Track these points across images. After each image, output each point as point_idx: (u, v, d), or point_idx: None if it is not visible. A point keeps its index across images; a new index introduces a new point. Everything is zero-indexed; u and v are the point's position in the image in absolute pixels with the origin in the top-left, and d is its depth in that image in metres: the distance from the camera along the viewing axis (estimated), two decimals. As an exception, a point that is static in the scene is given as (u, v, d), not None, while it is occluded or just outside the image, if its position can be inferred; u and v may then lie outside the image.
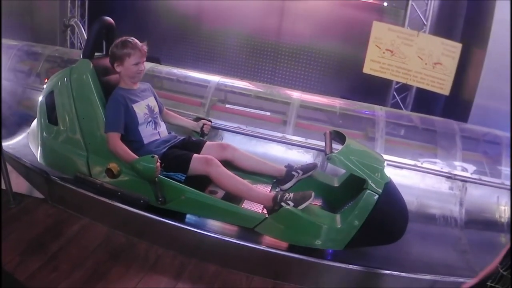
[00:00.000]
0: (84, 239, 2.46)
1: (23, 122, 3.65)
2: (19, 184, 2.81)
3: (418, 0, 4.39)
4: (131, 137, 2.55)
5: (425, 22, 4.35)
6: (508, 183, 3.14)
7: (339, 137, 2.54)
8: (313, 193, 2.27)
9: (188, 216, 2.52)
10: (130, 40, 2.55)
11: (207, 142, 2.77)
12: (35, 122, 3.09)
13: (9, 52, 4.42)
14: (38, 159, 2.92)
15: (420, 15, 4.36)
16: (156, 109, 2.75)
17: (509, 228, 3.02)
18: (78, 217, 2.64)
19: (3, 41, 4.78)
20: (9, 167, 2.71)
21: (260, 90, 3.89)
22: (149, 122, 2.63)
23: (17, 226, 2.50)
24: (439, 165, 3.22)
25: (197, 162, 2.46)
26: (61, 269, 2.19)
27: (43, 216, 2.64)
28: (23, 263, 2.20)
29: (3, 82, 4.00)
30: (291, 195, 2.29)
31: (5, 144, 3.00)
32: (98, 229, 2.56)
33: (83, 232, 2.52)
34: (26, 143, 3.27)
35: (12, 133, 3.51)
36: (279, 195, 2.30)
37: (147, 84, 2.86)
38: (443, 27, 4.69)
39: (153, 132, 2.65)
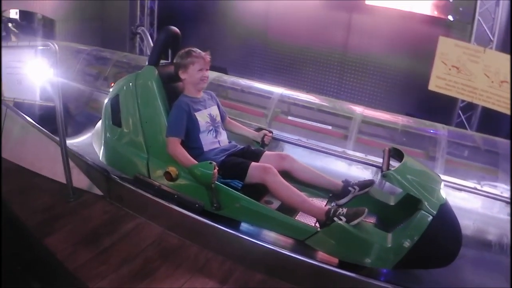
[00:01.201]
0: (137, 236, 2.53)
1: (88, 122, 3.87)
2: (80, 180, 2.94)
3: (485, 13, 4.22)
4: (192, 144, 2.63)
5: (491, 38, 4.18)
6: None
7: (398, 155, 2.48)
8: (366, 210, 2.23)
9: (241, 223, 2.55)
10: (193, 49, 2.68)
11: (266, 152, 2.80)
12: (99, 123, 3.25)
13: (78, 56, 4.71)
14: (100, 158, 3.06)
15: (487, 30, 4.20)
16: (218, 118, 2.81)
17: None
18: (134, 215, 2.72)
19: (74, 45, 5.11)
20: (71, 163, 2.85)
21: (323, 103, 3.90)
22: (210, 130, 2.70)
23: (73, 218, 2.61)
24: (499, 189, 3.06)
25: (255, 170, 2.49)
26: (110, 263, 2.25)
27: (100, 212, 2.74)
28: (75, 253, 2.28)
29: (73, 83, 4.26)
30: (344, 210, 2.26)
31: (70, 141, 3.16)
32: (152, 228, 2.62)
33: (137, 230, 2.60)
34: (90, 142, 3.44)
35: (78, 132, 3.72)
36: (333, 210, 2.28)
37: (211, 93, 2.94)
38: (510, 43, 4.46)
39: (213, 141, 2.71)
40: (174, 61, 2.72)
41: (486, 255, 2.86)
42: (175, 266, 2.32)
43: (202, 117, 2.68)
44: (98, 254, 2.31)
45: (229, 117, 3.04)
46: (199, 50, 2.68)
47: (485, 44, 4.08)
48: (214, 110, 2.81)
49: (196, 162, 2.45)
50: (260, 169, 2.48)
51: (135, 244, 2.46)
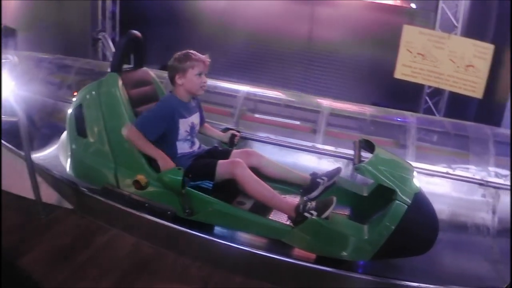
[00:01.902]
0: (112, 249, 2.48)
1: (54, 134, 3.75)
2: (49, 195, 2.85)
3: (448, 0, 4.28)
4: (167, 149, 2.53)
5: (456, 24, 4.24)
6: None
7: (369, 146, 2.48)
8: (335, 198, 2.22)
9: (216, 227, 2.52)
10: (192, 52, 2.56)
11: (234, 150, 2.77)
12: (64, 134, 3.16)
13: (40, 65, 4.57)
14: (68, 170, 2.97)
15: (451, 16, 4.25)
16: (197, 127, 2.75)
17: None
18: (107, 227, 2.66)
19: (36, 54, 4.96)
20: (39, 178, 2.76)
21: (290, 99, 3.88)
22: (187, 140, 2.64)
23: (46, 236, 2.54)
24: (471, 171, 3.13)
25: (223, 166, 2.46)
26: (89, 278, 2.21)
27: (72, 226, 2.67)
28: (51, 271, 2.22)
29: (34, 95, 4.13)
30: (313, 204, 2.25)
31: (36, 155, 3.07)
32: (126, 239, 2.57)
33: (111, 242, 2.54)
34: (56, 154, 3.33)
35: (43, 145, 3.60)
36: (301, 205, 2.27)
37: (197, 99, 2.82)
38: (474, 28, 4.55)
39: (189, 151, 2.66)
40: (170, 64, 2.58)
41: (464, 238, 2.93)
42: (153, 276, 2.29)
43: (184, 125, 2.59)
44: (75, 271, 2.25)
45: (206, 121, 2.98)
46: (198, 54, 2.57)
47: (450, 30, 4.14)
48: (196, 119, 2.73)
49: (160, 151, 2.41)
50: (228, 164, 2.46)
51: (111, 257, 2.41)
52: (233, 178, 2.43)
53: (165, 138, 2.53)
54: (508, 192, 3.05)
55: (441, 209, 2.96)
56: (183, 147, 2.62)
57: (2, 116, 2.70)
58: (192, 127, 2.67)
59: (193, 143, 2.70)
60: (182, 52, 2.57)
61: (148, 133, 2.47)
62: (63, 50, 5.22)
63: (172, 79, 2.58)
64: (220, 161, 2.49)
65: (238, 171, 2.41)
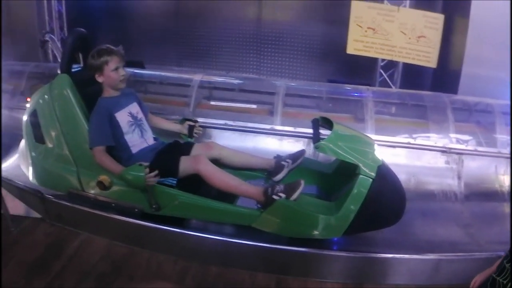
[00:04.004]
0: (85, 254, 2.47)
1: (13, 143, 3.63)
2: (15, 206, 2.80)
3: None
4: (118, 148, 2.52)
5: (404, -4, 4.29)
6: (505, 151, 3.10)
7: (327, 123, 2.50)
8: (302, 181, 2.25)
9: (184, 219, 2.52)
10: (104, 47, 2.52)
11: (195, 144, 2.76)
12: (23, 143, 3.06)
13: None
14: (31, 179, 2.90)
15: (399, -12, 4.30)
16: (140, 115, 2.70)
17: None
18: (77, 232, 2.64)
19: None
20: (3, 191, 2.71)
21: (244, 82, 3.86)
22: (134, 130, 2.60)
23: (18, 249, 2.51)
24: (433, 140, 3.19)
25: (186, 163, 2.45)
26: (66, 286, 2.20)
27: (42, 235, 2.64)
28: (28, 284, 2.20)
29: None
30: (282, 186, 2.27)
31: (-3, 167, 2.98)
32: (98, 242, 2.56)
33: (83, 247, 2.53)
34: (17, 164, 3.23)
35: (3, 156, 3.48)
36: (270, 188, 2.29)
37: (130, 90, 2.81)
38: (423, 0, 4.63)
39: (140, 140, 2.62)
40: (87, 62, 2.56)
41: (432, 205, 2.99)
42: (130, 276, 2.29)
43: (122, 117, 2.56)
44: (51, 280, 2.24)
45: (151, 112, 2.94)
46: (110, 46, 2.53)
47: (398, 3, 4.19)
48: (134, 108, 2.68)
49: (123, 167, 2.37)
50: (190, 161, 2.46)
51: (85, 262, 2.41)
52: (197, 173, 2.43)
53: (113, 138, 2.51)
54: (472, 157, 3.14)
55: (407, 179, 3.03)
56: (133, 140, 2.58)
57: None
58: (133, 115, 2.64)
59: (142, 132, 2.65)
60: (95, 49, 2.54)
61: (102, 141, 2.46)
62: (13, 55, 5.01)
63: (94, 78, 2.55)
64: (183, 157, 2.49)
65: (201, 167, 2.41)
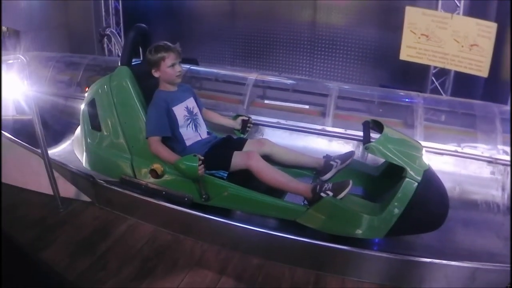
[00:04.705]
0: (131, 238, 2.53)
1: (67, 130, 3.81)
2: (66, 189, 2.91)
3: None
4: (174, 139, 2.61)
5: (458, 4, 4.22)
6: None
7: (378, 126, 2.51)
8: (351, 182, 2.26)
9: (231, 211, 2.57)
10: (161, 44, 2.60)
11: (248, 140, 2.81)
12: (79, 130, 3.21)
13: (48, 64, 4.61)
14: (84, 164, 3.03)
15: (453, -4, 4.23)
16: (196, 110, 2.79)
17: None
18: (125, 217, 2.72)
19: (42, 54, 5.01)
20: (56, 173, 2.81)
21: (297, 83, 3.90)
22: (189, 123, 2.69)
23: (66, 229, 2.59)
24: (479, 149, 3.12)
25: (238, 158, 2.50)
26: (109, 267, 2.25)
27: (90, 218, 2.72)
28: (72, 263, 2.27)
29: (44, 95, 4.17)
30: (330, 185, 2.29)
31: (51, 152, 3.12)
32: (145, 228, 2.62)
33: (130, 231, 2.59)
34: (71, 150, 3.39)
35: (58, 141, 3.66)
36: (318, 186, 2.31)
37: (187, 86, 2.91)
38: (477, 7, 4.52)
39: (195, 134, 2.70)
40: (146, 58, 2.66)
41: (474, 215, 2.93)
42: (173, 262, 2.33)
43: (179, 111, 2.65)
44: (95, 261, 2.30)
45: (205, 108, 3.03)
46: (168, 43, 2.61)
47: (452, 10, 4.12)
48: (191, 102, 2.78)
49: (178, 156, 2.44)
50: (243, 156, 2.51)
51: (130, 245, 2.46)
52: (248, 169, 2.48)
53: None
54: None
55: (451, 187, 2.99)
56: (188, 133, 2.66)
57: (15, 115, 2.75)
58: (189, 110, 2.72)
59: (196, 126, 2.72)
60: (153, 45, 2.62)
61: (161, 131, 2.55)
62: (70, 49, 5.27)
63: (151, 73, 2.64)
64: (236, 152, 2.54)
65: (253, 163, 2.46)
